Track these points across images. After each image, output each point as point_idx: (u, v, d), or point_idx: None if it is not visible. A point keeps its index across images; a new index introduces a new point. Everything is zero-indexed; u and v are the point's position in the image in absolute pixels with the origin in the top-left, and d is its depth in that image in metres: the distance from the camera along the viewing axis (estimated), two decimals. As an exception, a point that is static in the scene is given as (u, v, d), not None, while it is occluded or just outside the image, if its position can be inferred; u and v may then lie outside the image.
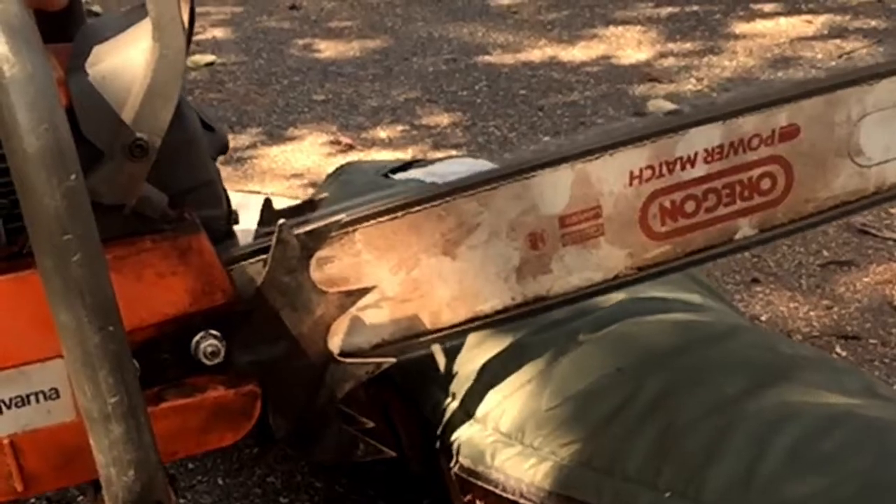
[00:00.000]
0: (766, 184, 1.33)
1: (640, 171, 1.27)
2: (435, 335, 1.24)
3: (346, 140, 3.02)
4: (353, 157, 2.90)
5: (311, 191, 2.71)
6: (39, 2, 1.05)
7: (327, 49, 3.74)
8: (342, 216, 1.17)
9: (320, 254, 1.16)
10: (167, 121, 1.03)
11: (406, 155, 2.89)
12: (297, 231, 1.15)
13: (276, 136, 3.09)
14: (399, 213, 1.19)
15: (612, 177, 1.27)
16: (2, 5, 0.89)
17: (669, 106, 3.06)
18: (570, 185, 1.25)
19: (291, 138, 3.07)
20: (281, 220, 1.15)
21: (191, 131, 1.13)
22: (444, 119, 3.12)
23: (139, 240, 1.08)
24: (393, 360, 1.19)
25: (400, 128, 3.09)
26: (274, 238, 1.14)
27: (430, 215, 1.20)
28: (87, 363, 0.90)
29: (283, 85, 3.46)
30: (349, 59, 3.64)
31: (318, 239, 1.16)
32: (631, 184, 1.28)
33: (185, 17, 1.03)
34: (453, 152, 2.89)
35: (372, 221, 1.19)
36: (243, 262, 1.16)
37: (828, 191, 1.37)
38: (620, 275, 1.29)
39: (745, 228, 1.35)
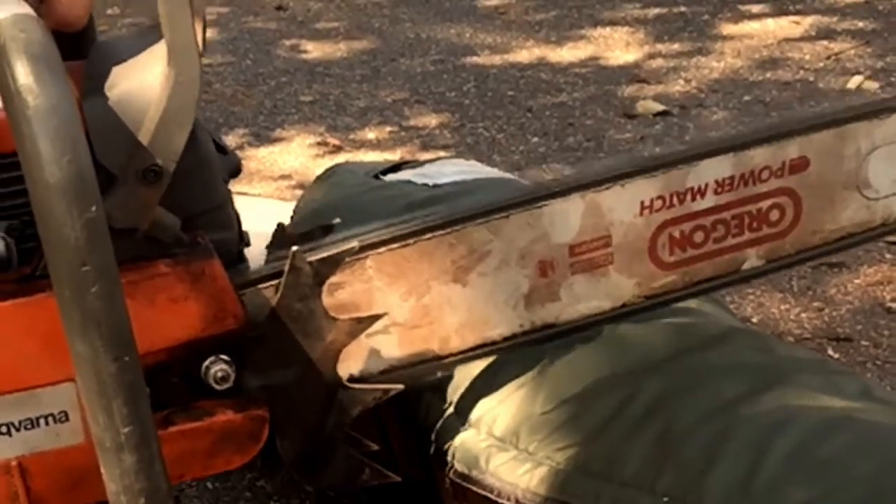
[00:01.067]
0: (774, 215, 1.34)
1: (651, 201, 1.28)
2: (443, 361, 1.24)
3: (333, 141, 3.02)
4: (341, 158, 2.89)
5: (299, 192, 2.70)
6: (60, 24, 1.04)
7: (314, 50, 3.73)
8: (355, 244, 1.17)
9: (332, 280, 1.16)
10: (181, 146, 1.03)
11: (395, 156, 2.88)
12: (310, 258, 1.15)
13: (263, 137, 3.08)
14: (411, 241, 1.20)
15: (623, 207, 1.27)
16: (25, 34, 0.89)
17: (658, 107, 3.05)
18: (580, 215, 1.25)
19: (279, 139, 3.06)
20: (294, 247, 1.15)
21: (203, 154, 1.14)
22: (432, 120, 3.11)
23: (152, 264, 1.08)
24: (401, 386, 1.19)
25: (388, 129, 3.08)
26: (287, 265, 1.14)
27: (442, 243, 1.21)
28: (101, 393, 0.90)
29: (271, 86, 3.45)
30: (336, 60, 3.63)
31: (330, 266, 1.16)
32: (641, 214, 1.28)
33: (199, 41, 1.03)
34: (442, 153, 2.88)
35: (383, 248, 1.19)
36: (255, 287, 1.16)
37: (835, 223, 1.38)
38: (628, 303, 1.29)
39: (753, 259, 1.36)
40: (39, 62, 0.88)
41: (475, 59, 3.55)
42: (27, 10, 0.92)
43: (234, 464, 1.17)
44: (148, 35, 1.09)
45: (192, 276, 1.09)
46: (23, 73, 0.87)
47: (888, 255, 2.29)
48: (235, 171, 1.28)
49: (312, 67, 3.57)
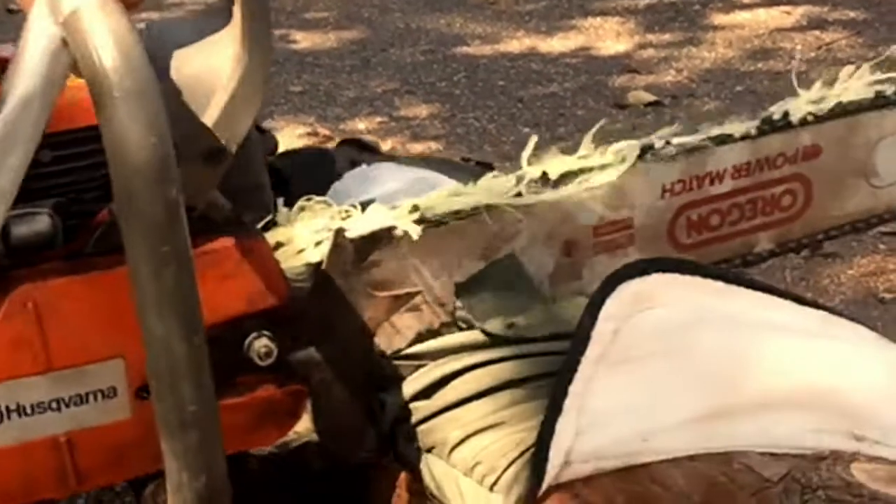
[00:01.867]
0: (786, 200, 1.41)
1: (672, 185, 1.33)
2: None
3: (324, 131, 3.00)
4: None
5: (288, 183, 2.68)
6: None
7: (304, 40, 3.71)
8: (394, 223, 1.20)
9: (371, 258, 1.20)
10: (246, 129, 1.05)
11: (385, 146, 2.87)
12: (351, 236, 1.18)
13: (253, 127, 3.06)
14: (447, 221, 1.23)
15: (647, 190, 1.32)
16: (110, 18, 0.92)
17: (649, 97, 3.05)
18: (606, 197, 1.30)
19: (268, 130, 3.04)
20: (337, 226, 1.18)
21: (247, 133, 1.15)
22: (422, 110, 3.10)
23: (202, 241, 1.09)
24: (432, 362, 1.20)
25: (378, 119, 3.07)
26: (330, 242, 1.17)
27: (475, 223, 1.24)
28: (171, 372, 0.93)
29: (260, 76, 3.43)
30: (326, 51, 3.61)
31: (371, 244, 1.19)
32: (662, 197, 1.33)
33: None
34: (432, 144, 2.88)
35: (420, 227, 1.21)
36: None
37: (842, 209, 1.45)
38: None
39: (764, 242, 1.42)
40: (125, 45, 0.91)
41: (465, 49, 3.54)
42: None
43: (271, 438, 1.20)
44: (204, 20, 1.11)
45: (241, 254, 1.12)
46: (110, 57, 0.90)
47: (881, 246, 2.29)
48: (273, 150, 1.34)
49: (302, 57, 3.56)
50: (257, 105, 1.05)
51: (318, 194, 1.48)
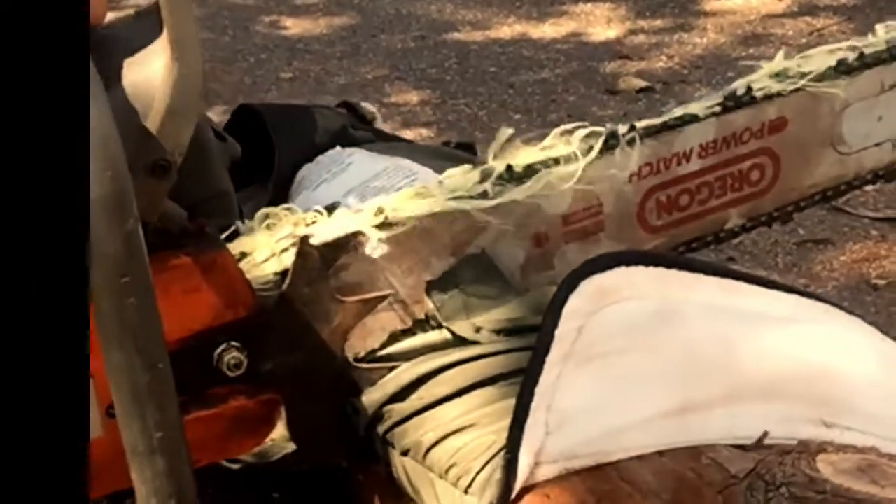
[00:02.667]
0: (755, 175, 1.40)
1: (640, 168, 1.32)
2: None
3: (314, 118, 2.98)
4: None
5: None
6: None
7: (294, 26, 3.69)
8: (359, 228, 1.20)
9: (338, 263, 1.19)
10: (188, 138, 1.04)
11: (376, 133, 2.85)
12: (316, 243, 1.18)
13: (243, 114, 3.04)
14: (413, 220, 1.23)
15: (614, 175, 1.31)
16: None
17: (641, 84, 3.04)
18: (573, 185, 1.29)
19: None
20: (302, 233, 1.18)
21: (203, 142, 1.16)
22: (413, 97, 3.09)
23: (164, 256, 1.10)
24: (406, 363, 1.20)
25: (369, 106, 3.05)
26: (295, 251, 1.17)
27: (441, 222, 1.23)
28: (135, 400, 0.93)
29: (250, 63, 3.42)
30: (316, 37, 3.60)
31: (337, 250, 1.19)
32: (630, 181, 1.32)
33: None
34: (423, 130, 2.87)
35: (387, 231, 1.22)
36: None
37: (811, 179, 1.45)
38: None
39: (735, 218, 1.42)
40: None
41: (456, 35, 3.53)
42: None
43: (247, 447, 1.22)
44: (144, 23, 1.10)
45: (204, 267, 1.12)
46: None
47: (873, 232, 2.28)
48: (236, 157, 1.33)
49: (292, 44, 3.54)
50: (195, 113, 1.05)
51: (298, 150, 1.46)
